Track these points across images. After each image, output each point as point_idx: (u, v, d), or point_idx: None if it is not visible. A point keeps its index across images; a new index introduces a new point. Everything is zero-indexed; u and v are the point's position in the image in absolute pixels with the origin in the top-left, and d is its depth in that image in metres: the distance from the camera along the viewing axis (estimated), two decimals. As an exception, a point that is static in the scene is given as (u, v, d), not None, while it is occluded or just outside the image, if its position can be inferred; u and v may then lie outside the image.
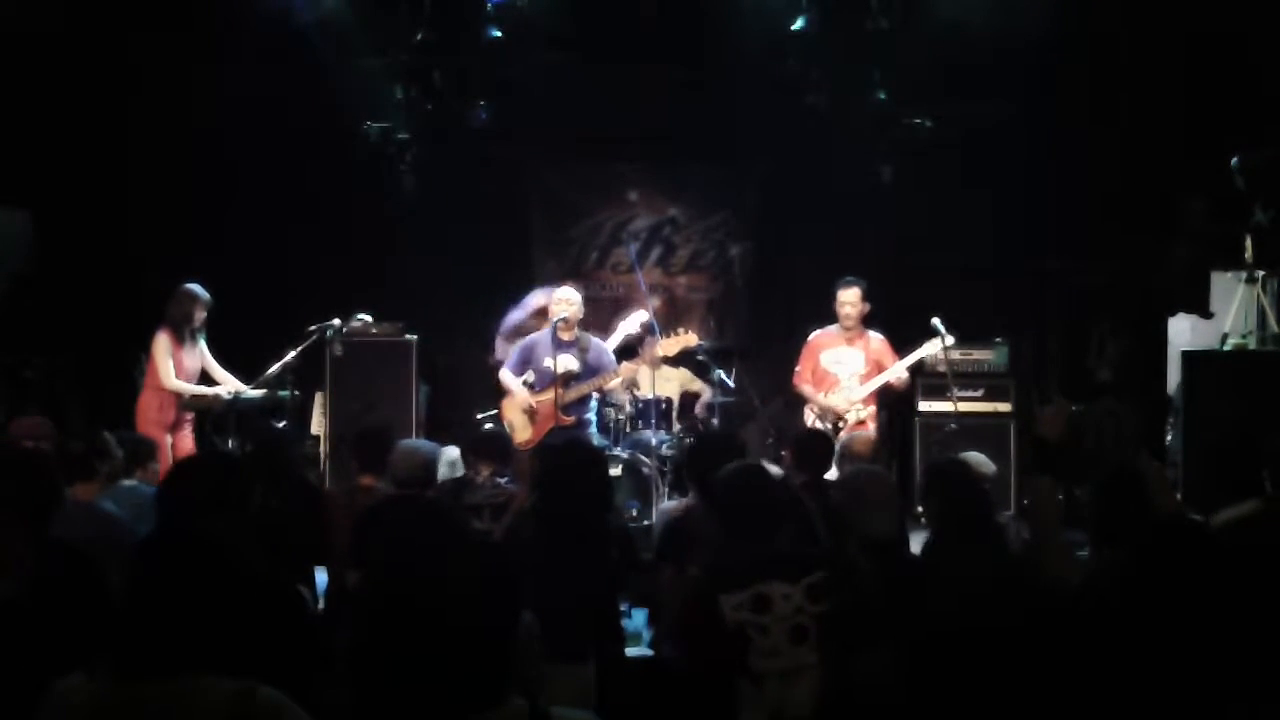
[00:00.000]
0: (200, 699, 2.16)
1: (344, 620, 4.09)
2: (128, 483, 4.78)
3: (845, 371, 7.22)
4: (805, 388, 7.29)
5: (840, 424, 7.04)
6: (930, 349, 7.17)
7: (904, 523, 4.01)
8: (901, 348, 7.31)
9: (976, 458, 5.31)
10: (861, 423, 7.05)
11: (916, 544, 4.02)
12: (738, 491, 3.53)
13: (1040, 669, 2.96)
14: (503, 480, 5.20)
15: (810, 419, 7.19)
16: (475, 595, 2.06)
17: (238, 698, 2.16)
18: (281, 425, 6.97)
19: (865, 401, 7.14)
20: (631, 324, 7.49)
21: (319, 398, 8.09)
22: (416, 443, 5.16)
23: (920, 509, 4.30)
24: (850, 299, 7.17)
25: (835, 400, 7.12)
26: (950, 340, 7.18)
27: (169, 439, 6.97)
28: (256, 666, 2.26)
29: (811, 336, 7.38)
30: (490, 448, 5.32)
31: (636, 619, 5.28)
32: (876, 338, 7.29)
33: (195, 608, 2.21)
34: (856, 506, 3.77)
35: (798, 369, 7.35)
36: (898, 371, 7.13)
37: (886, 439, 7.46)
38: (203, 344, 7.22)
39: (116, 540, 3.75)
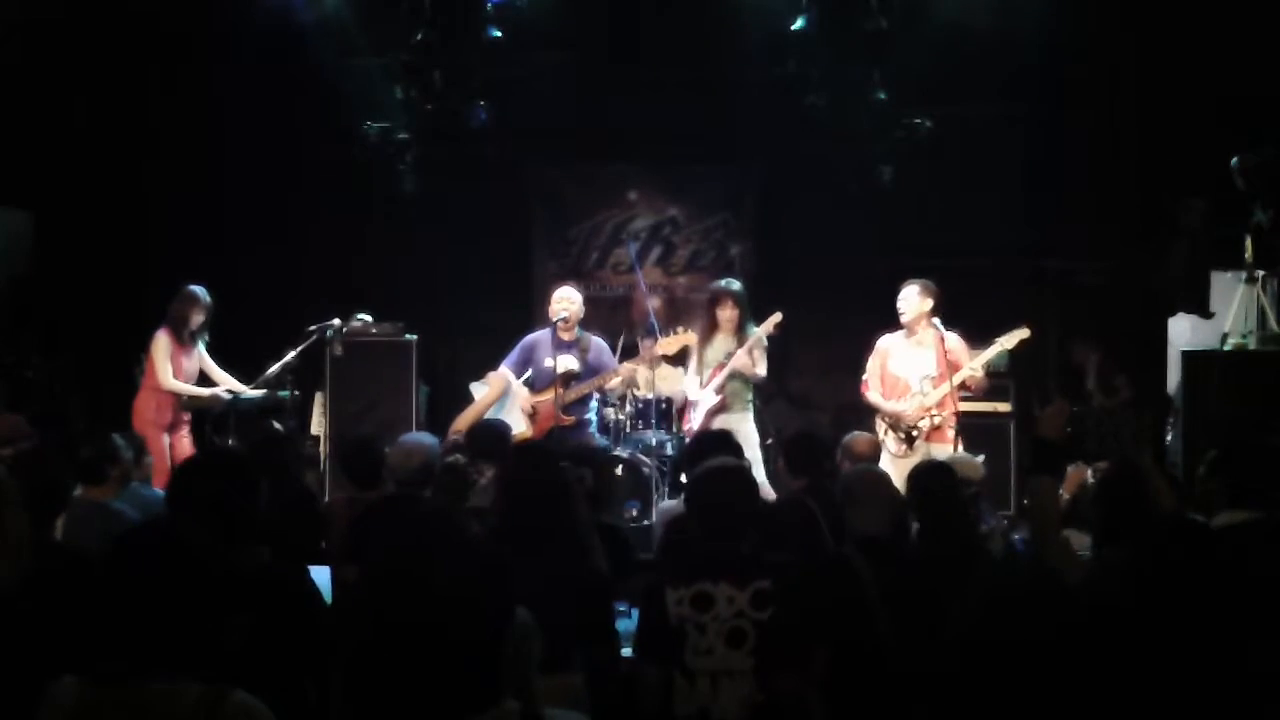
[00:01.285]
0: (171, 703, 2.16)
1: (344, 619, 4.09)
2: (135, 485, 4.79)
3: (916, 375, 6.66)
4: (872, 396, 6.77)
5: (915, 432, 6.57)
6: (1004, 345, 6.75)
7: (905, 523, 4.00)
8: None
9: (965, 459, 5.29)
10: (938, 429, 6.56)
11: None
12: (705, 489, 3.52)
13: (1040, 671, 2.96)
14: None
15: (881, 429, 6.64)
16: (465, 600, 2.05)
17: (208, 702, 2.16)
18: (279, 426, 6.96)
19: (940, 405, 6.58)
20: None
21: (319, 398, 8.08)
22: (415, 440, 4.98)
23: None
24: (904, 295, 6.71)
25: (906, 407, 6.60)
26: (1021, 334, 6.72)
27: (166, 439, 6.96)
28: (247, 667, 2.25)
29: (878, 341, 6.88)
30: (492, 446, 5.27)
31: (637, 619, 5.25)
32: (952, 338, 6.65)
33: (163, 610, 2.20)
34: (850, 504, 3.78)
35: (864, 376, 6.87)
36: (972, 370, 6.59)
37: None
38: (201, 346, 7.22)
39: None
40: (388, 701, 2.12)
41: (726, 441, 4.75)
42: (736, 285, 7.22)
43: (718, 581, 3.26)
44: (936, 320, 6.68)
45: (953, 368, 6.59)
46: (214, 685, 2.18)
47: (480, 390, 7.24)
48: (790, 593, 3.27)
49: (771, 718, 3.18)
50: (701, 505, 3.50)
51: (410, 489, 4.69)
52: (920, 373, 6.67)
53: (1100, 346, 8.53)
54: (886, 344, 6.87)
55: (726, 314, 7.08)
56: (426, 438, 5.14)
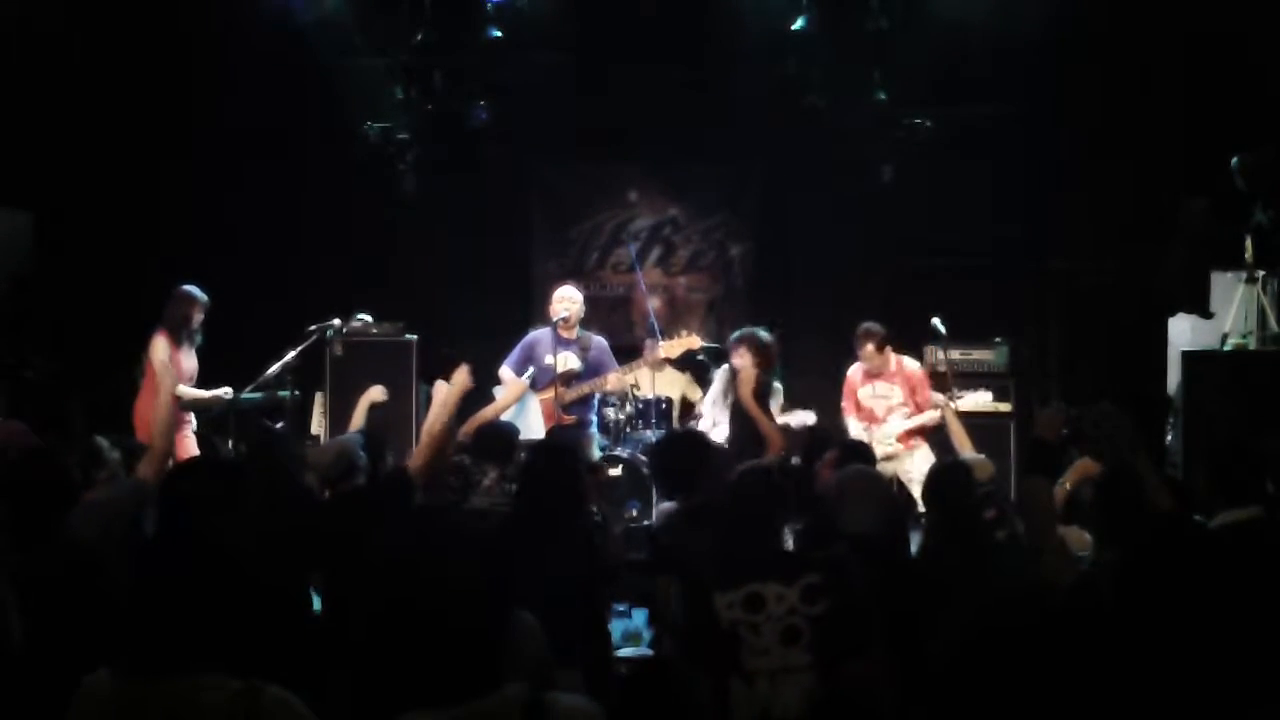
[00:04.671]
0: (206, 697, 2.20)
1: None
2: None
3: (881, 406, 7.13)
4: (849, 420, 7.23)
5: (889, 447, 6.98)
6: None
7: (901, 523, 4.00)
8: (904, 350, 7.27)
9: (976, 459, 5.29)
10: (889, 459, 6.88)
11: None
12: (743, 493, 3.54)
13: (1041, 671, 2.96)
14: (512, 487, 5.14)
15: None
16: (462, 588, 2.09)
17: (243, 696, 2.20)
18: (279, 426, 6.96)
19: (903, 439, 7.03)
20: None
21: (319, 398, 8.08)
22: (331, 441, 5.10)
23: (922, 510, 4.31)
24: (864, 354, 7.08)
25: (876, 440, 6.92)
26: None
27: (168, 439, 6.95)
28: (264, 663, 2.29)
29: (848, 372, 7.28)
30: (495, 446, 5.25)
31: (636, 619, 5.27)
32: (911, 364, 7.19)
33: (198, 608, 2.25)
34: (841, 503, 3.79)
35: (843, 403, 7.30)
36: (931, 416, 6.97)
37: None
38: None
39: (117, 539, 3.77)
40: (388, 688, 2.15)
41: (697, 440, 4.76)
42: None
43: (765, 580, 3.27)
44: (891, 354, 7.10)
45: (914, 395, 7.06)
46: (249, 680, 2.23)
47: (501, 394, 7.25)
48: (845, 583, 3.28)
49: (835, 711, 3.19)
50: (741, 510, 3.51)
51: (340, 484, 4.64)
52: (885, 403, 7.12)
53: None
54: (854, 374, 7.26)
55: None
56: (349, 436, 5.17)
